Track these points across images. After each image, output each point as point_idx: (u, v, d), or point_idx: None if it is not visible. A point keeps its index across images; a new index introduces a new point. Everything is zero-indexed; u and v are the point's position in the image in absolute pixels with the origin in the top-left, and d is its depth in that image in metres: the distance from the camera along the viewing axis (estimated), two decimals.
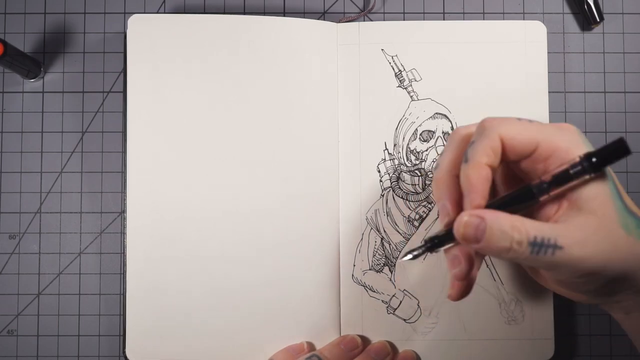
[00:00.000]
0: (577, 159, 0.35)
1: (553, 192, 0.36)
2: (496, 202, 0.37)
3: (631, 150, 0.34)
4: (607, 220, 0.36)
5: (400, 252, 0.51)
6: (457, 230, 0.36)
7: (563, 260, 0.35)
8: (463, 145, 0.39)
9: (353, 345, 0.49)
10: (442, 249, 0.39)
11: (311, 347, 0.49)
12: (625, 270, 0.37)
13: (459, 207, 0.38)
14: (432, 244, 0.38)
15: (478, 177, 0.36)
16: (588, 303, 0.44)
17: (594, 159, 0.35)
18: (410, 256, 0.40)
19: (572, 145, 0.36)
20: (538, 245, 0.35)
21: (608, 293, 0.39)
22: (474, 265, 0.39)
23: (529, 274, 0.44)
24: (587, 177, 0.35)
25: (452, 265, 0.39)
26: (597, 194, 0.36)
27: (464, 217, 0.36)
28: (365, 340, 0.50)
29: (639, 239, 0.36)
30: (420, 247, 0.39)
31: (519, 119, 0.38)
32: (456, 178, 0.38)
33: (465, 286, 0.39)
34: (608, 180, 0.36)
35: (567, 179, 0.36)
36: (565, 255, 0.35)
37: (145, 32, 0.50)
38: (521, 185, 0.38)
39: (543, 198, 0.36)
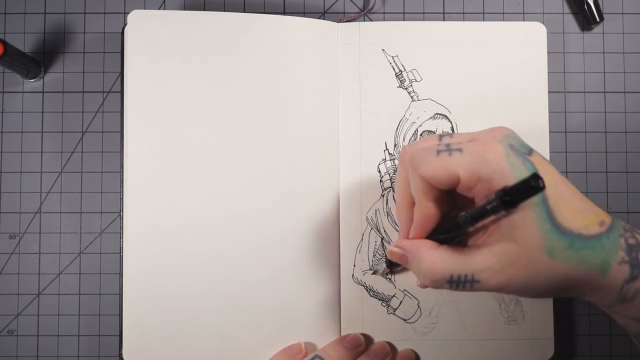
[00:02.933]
0: (492, 196, 0.35)
1: (477, 225, 0.36)
2: (435, 230, 0.39)
3: (542, 186, 0.33)
4: (527, 247, 0.35)
5: None
6: (387, 253, 0.42)
7: (483, 289, 0.37)
8: (405, 175, 0.40)
9: (356, 343, 0.49)
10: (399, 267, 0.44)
11: (310, 346, 0.49)
12: (549, 291, 0.37)
13: (407, 236, 0.41)
14: (390, 263, 0.45)
15: (420, 214, 0.39)
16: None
17: (506, 197, 0.33)
18: (370, 272, 0.49)
19: (495, 175, 0.35)
20: (455, 282, 0.37)
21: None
22: None
23: None
24: (502, 212, 0.35)
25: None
26: (519, 222, 0.35)
27: (390, 246, 0.41)
28: (367, 339, 0.50)
29: (565, 261, 0.35)
30: (380, 266, 0.47)
31: (439, 152, 0.37)
32: (411, 207, 0.40)
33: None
34: (535, 205, 0.35)
35: (486, 214, 0.35)
36: (484, 286, 0.37)
37: (144, 29, 0.50)
38: (452, 216, 0.39)
39: (471, 229, 0.37)
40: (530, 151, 0.37)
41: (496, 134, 0.37)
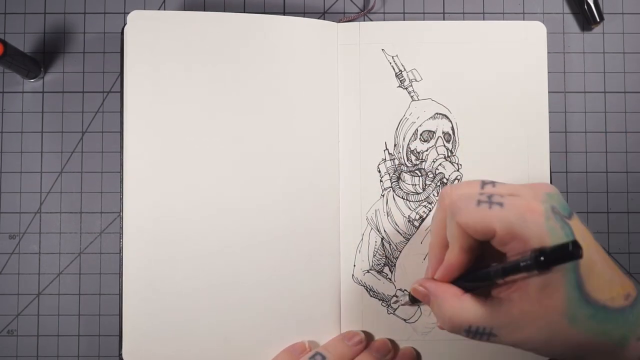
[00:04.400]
0: (528, 254, 0.34)
1: (507, 279, 0.36)
2: (462, 276, 0.40)
3: (579, 254, 0.32)
4: (551, 311, 0.35)
5: (400, 252, 0.51)
6: (410, 290, 0.42)
7: (499, 343, 0.38)
8: (444, 217, 0.40)
9: (357, 340, 0.49)
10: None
11: (313, 345, 0.49)
12: (564, 355, 0.37)
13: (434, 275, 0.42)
14: (412, 298, 0.44)
15: (451, 260, 0.39)
16: None
17: (542, 258, 0.33)
18: (396, 305, 0.50)
19: (532, 235, 0.35)
20: (473, 332, 0.38)
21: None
22: None
23: None
24: (535, 272, 0.34)
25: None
26: (547, 285, 0.35)
27: (414, 284, 0.42)
28: (368, 336, 0.50)
29: (586, 330, 0.35)
30: (402, 299, 0.47)
31: (479, 202, 0.36)
32: (444, 247, 0.40)
33: None
34: (567, 271, 0.35)
35: (518, 270, 0.35)
36: (500, 340, 0.38)
37: (144, 29, 0.50)
38: (484, 266, 0.39)
39: (500, 282, 0.37)
40: (570, 214, 0.37)
41: (539, 192, 0.37)
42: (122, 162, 0.49)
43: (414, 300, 0.44)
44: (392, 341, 0.50)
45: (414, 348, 0.50)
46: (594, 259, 0.36)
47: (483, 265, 0.39)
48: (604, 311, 0.35)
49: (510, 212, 0.36)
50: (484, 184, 0.38)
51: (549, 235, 0.35)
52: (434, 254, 0.41)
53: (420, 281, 0.41)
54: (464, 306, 0.38)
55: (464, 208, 0.37)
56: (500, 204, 0.36)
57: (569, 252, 0.32)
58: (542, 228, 0.35)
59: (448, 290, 0.39)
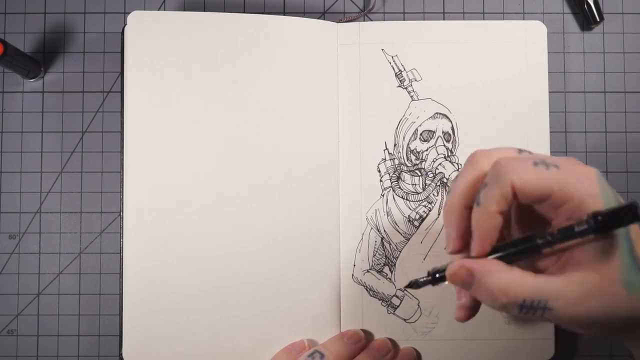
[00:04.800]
0: (584, 217, 0.34)
1: (557, 247, 0.35)
2: (500, 247, 0.36)
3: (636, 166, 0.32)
4: (607, 278, 0.34)
5: (400, 252, 0.51)
6: (447, 276, 0.37)
7: (554, 319, 0.35)
8: (478, 177, 0.37)
9: (356, 339, 0.49)
10: (445, 283, 0.38)
11: (312, 344, 0.49)
12: (623, 325, 0.36)
13: (463, 238, 0.38)
14: (435, 278, 0.38)
15: (487, 224, 0.36)
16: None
17: (600, 219, 0.32)
18: (411, 287, 0.40)
19: (587, 197, 0.34)
20: (527, 307, 0.35)
21: (620, 337, 0.38)
22: None
23: None
24: (591, 236, 0.33)
25: (458, 296, 0.39)
26: (601, 251, 0.34)
27: (454, 267, 0.36)
28: (367, 335, 0.50)
29: None
30: (422, 279, 0.39)
31: (536, 163, 0.35)
32: (466, 209, 0.37)
33: (471, 313, 0.39)
34: (620, 237, 0.34)
35: (572, 236, 0.34)
36: (556, 315, 0.35)
37: (144, 29, 0.50)
38: (526, 235, 0.36)
39: (546, 251, 0.35)
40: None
41: (578, 162, 0.37)
42: (123, 162, 0.49)
43: (437, 282, 0.39)
44: (392, 341, 0.50)
45: (414, 348, 0.50)
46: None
47: (527, 236, 0.37)
48: None
49: (567, 174, 0.35)
50: (520, 150, 0.37)
51: (603, 197, 0.34)
52: (456, 217, 0.38)
53: (460, 263, 0.36)
54: (517, 278, 0.35)
55: (521, 168, 0.35)
56: (557, 166, 0.35)
57: (630, 213, 0.31)
58: (596, 190, 0.34)
59: (493, 265, 0.36)
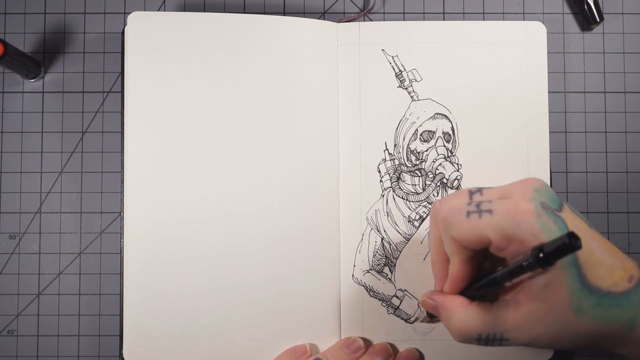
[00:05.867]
0: (528, 253, 0.34)
1: (515, 280, 0.36)
2: (470, 284, 0.40)
3: (578, 245, 0.32)
4: (557, 306, 0.36)
5: (400, 252, 0.51)
6: (420, 302, 0.43)
7: (512, 345, 0.38)
8: (439, 232, 0.40)
9: (356, 348, 0.49)
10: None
11: (314, 348, 0.49)
12: (578, 345, 0.38)
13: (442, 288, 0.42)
14: (430, 316, 0.44)
15: (456, 274, 0.39)
16: None
17: (541, 255, 0.33)
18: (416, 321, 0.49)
19: (527, 235, 0.35)
20: (484, 340, 0.38)
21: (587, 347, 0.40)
22: None
23: None
24: (539, 269, 0.34)
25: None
26: (549, 282, 0.36)
27: (422, 298, 0.42)
28: (367, 343, 0.50)
29: (593, 319, 0.36)
30: (421, 315, 0.47)
31: (469, 213, 0.37)
32: (446, 261, 0.40)
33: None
34: (567, 265, 0.35)
35: (522, 270, 0.35)
36: (512, 343, 0.38)
37: (144, 30, 0.50)
38: (490, 271, 0.39)
39: (507, 285, 0.37)
40: (560, 206, 0.38)
41: (526, 189, 0.37)
42: (123, 163, 0.49)
43: (432, 316, 0.44)
44: (392, 345, 0.50)
45: (417, 349, 0.50)
46: (591, 247, 0.36)
47: (487, 271, 0.39)
48: (608, 297, 0.36)
49: (501, 218, 0.36)
50: (471, 193, 0.39)
51: (543, 232, 0.35)
52: (437, 270, 0.42)
53: (428, 294, 0.42)
54: (473, 316, 0.38)
55: (455, 222, 0.37)
56: (490, 211, 0.36)
57: (567, 244, 0.32)
58: (535, 227, 0.35)
59: (455, 301, 0.40)
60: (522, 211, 0.36)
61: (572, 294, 0.35)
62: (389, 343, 0.50)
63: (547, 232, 0.35)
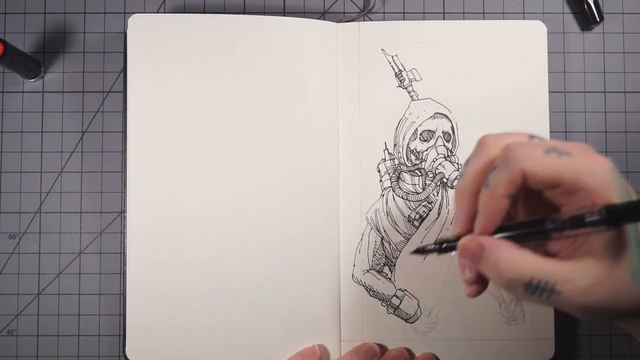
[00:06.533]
0: (596, 208, 0.33)
1: (566, 233, 0.35)
2: (508, 226, 0.36)
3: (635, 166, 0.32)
4: (615, 269, 0.34)
5: (400, 252, 0.51)
6: (458, 250, 0.37)
7: (558, 304, 0.35)
8: (487, 162, 0.37)
9: (372, 354, 0.49)
10: (451, 254, 0.39)
11: (322, 350, 0.49)
12: (629, 314, 0.36)
13: (472, 221, 0.38)
14: (441, 248, 0.38)
15: (493, 207, 0.36)
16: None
17: (614, 213, 0.32)
18: (417, 253, 0.40)
19: (601, 187, 0.34)
20: (533, 287, 0.34)
21: (621, 322, 0.38)
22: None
23: None
24: (602, 227, 0.33)
25: (462, 272, 0.39)
26: (612, 242, 0.34)
27: (464, 240, 0.37)
28: (382, 348, 0.50)
29: None
30: (430, 246, 0.39)
31: (547, 151, 0.35)
32: (476, 194, 0.37)
33: (477, 288, 0.39)
34: (631, 228, 0.34)
35: (582, 225, 0.34)
36: (562, 300, 0.35)
37: (145, 32, 0.50)
38: (536, 218, 0.36)
39: (554, 236, 0.35)
40: None
41: (591, 149, 0.36)
42: (125, 162, 0.50)
43: (443, 251, 0.39)
44: (409, 350, 0.50)
45: (433, 354, 0.50)
46: None
47: (535, 219, 0.37)
48: None
49: (580, 163, 0.35)
50: (531, 136, 0.37)
51: (617, 187, 0.34)
52: (467, 205, 0.38)
53: (471, 237, 0.37)
54: (526, 257, 0.35)
55: (532, 155, 0.35)
56: (569, 154, 0.35)
57: None
58: (610, 180, 0.34)
59: (503, 243, 0.36)
60: (601, 163, 0.35)
61: (631, 258, 0.34)
62: (406, 348, 0.50)
63: (620, 188, 0.34)
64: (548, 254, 0.36)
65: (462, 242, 0.37)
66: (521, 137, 0.37)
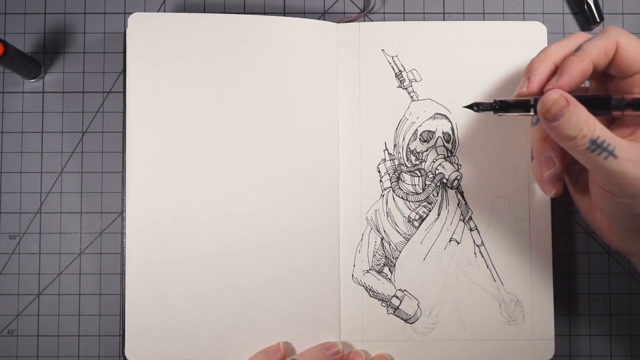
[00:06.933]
0: None
1: (627, 113, 0.38)
2: (575, 95, 0.40)
3: None
4: None
5: (400, 252, 0.51)
6: (544, 104, 0.39)
7: (612, 169, 0.38)
8: (574, 44, 0.42)
9: (334, 351, 0.49)
10: (508, 114, 0.43)
11: (288, 346, 0.49)
12: None
13: (542, 88, 0.42)
14: (501, 106, 0.42)
15: (578, 65, 0.41)
16: (621, 250, 0.46)
17: None
18: (475, 107, 0.44)
19: None
20: (597, 145, 0.38)
21: None
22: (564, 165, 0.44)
23: (578, 200, 0.47)
24: None
25: (547, 166, 0.44)
26: None
27: (554, 94, 0.39)
28: (347, 347, 0.50)
29: None
30: (488, 103, 0.43)
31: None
32: (553, 65, 0.42)
33: (560, 185, 0.44)
34: None
35: None
36: (616, 165, 0.38)
37: (145, 31, 0.50)
38: (602, 94, 0.40)
39: (615, 113, 0.39)
40: None
41: None
42: (124, 163, 0.49)
43: (501, 110, 0.43)
44: (365, 352, 0.50)
45: (389, 355, 0.50)
46: None
47: (605, 95, 0.41)
48: None
49: None
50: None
51: None
52: (544, 67, 0.42)
53: (561, 92, 0.40)
54: (596, 120, 0.39)
55: (629, 36, 0.41)
56: None
57: None
58: None
59: (579, 103, 0.39)
60: None
61: None
62: (363, 351, 0.50)
63: None
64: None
65: (549, 96, 0.40)
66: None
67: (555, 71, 0.42)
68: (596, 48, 0.40)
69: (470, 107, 0.45)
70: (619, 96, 0.39)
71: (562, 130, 0.39)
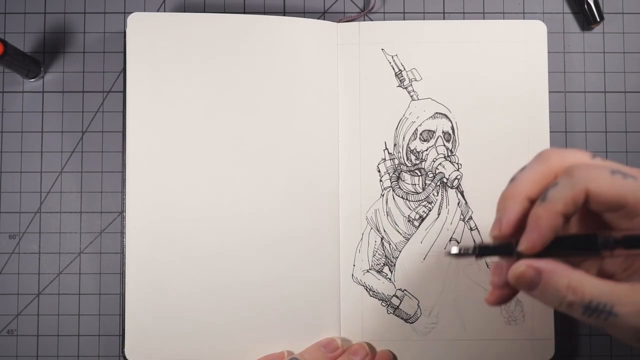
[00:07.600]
0: None
1: (617, 253, 0.34)
2: (557, 241, 0.35)
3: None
4: None
5: (400, 252, 0.51)
6: (511, 276, 0.35)
7: (617, 325, 0.34)
8: (546, 174, 0.37)
9: (333, 347, 0.49)
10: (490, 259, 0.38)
11: (292, 355, 0.49)
12: None
13: (515, 228, 0.36)
14: (482, 252, 0.37)
15: (548, 222, 0.35)
16: None
17: None
18: (456, 251, 0.37)
19: None
20: (592, 309, 0.33)
21: None
22: None
23: None
24: None
25: (494, 273, 0.37)
26: None
27: (521, 266, 0.35)
28: (346, 343, 0.50)
29: None
30: (469, 249, 0.37)
31: (613, 172, 0.35)
32: (527, 202, 0.36)
33: (505, 295, 0.38)
34: None
35: (637, 245, 0.33)
36: (619, 322, 0.34)
37: (144, 31, 0.50)
38: (586, 233, 0.36)
39: (605, 254, 0.34)
40: None
41: None
42: (124, 162, 0.49)
43: (483, 255, 0.37)
44: (369, 345, 0.50)
45: (390, 351, 0.50)
46: None
47: (587, 234, 0.36)
48: None
49: None
50: (593, 155, 0.37)
51: None
52: (515, 206, 0.36)
53: (526, 263, 0.35)
54: (583, 279, 0.34)
55: (598, 176, 0.35)
56: (634, 177, 0.35)
57: None
58: None
59: (557, 266, 0.34)
60: None
61: None
62: (367, 343, 0.50)
63: None
64: (602, 275, 0.36)
65: (516, 269, 0.35)
66: (584, 155, 0.37)
67: (530, 206, 0.36)
68: (563, 200, 0.35)
69: (450, 255, 0.38)
70: (604, 235, 0.34)
71: (543, 300, 0.35)
